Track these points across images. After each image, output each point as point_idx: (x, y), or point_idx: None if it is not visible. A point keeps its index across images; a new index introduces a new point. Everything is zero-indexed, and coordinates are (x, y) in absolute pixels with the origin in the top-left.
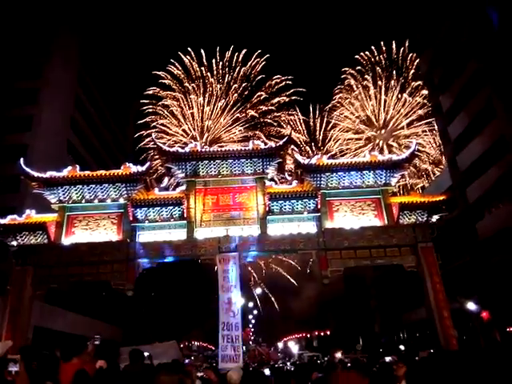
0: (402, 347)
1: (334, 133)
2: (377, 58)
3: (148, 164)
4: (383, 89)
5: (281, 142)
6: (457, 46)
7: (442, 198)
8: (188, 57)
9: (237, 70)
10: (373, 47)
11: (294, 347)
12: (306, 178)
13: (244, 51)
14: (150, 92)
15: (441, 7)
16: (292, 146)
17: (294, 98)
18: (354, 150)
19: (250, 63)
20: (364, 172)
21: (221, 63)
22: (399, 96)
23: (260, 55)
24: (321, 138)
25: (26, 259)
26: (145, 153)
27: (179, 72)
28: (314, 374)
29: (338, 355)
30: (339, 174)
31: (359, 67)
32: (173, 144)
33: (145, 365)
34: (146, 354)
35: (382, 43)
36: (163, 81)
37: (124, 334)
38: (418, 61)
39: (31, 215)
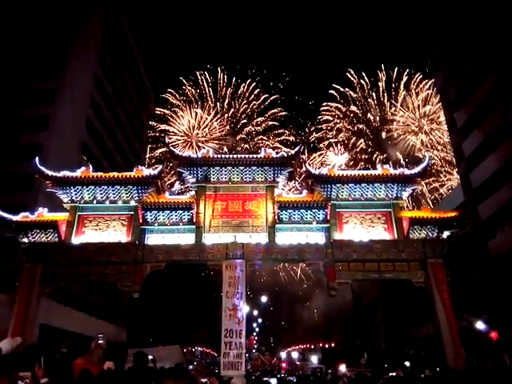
0: (407, 363)
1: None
2: (394, 81)
3: (160, 168)
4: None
5: (293, 152)
6: (474, 61)
7: (453, 214)
8: (206, 74)
9: (250, 98)
10: (390, 70)
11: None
12: (316, 188)
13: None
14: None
15: (457, 24)
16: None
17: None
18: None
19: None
20: (375, 185)
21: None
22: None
23: (277, 83)
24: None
25: (35, 257)
26: (156, 160)
27: (191, 89)
28: None
29: (343, 368)
30: (350, 185)
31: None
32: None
33: (148, 368)
34: (149, 357)
35: (398, 68)
36: (172, 99)
37: (128, 336)
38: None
39: (43, 213)
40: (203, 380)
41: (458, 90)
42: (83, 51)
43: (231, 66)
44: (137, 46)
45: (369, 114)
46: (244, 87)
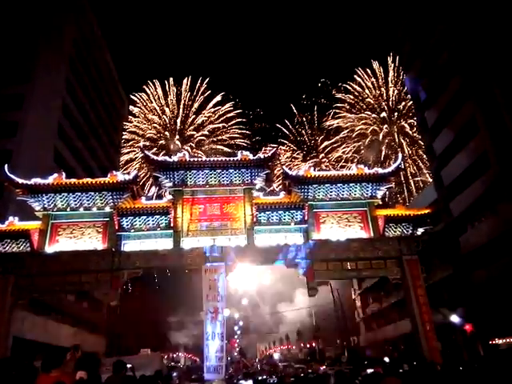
0: (386, 359)
1: None
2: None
3: (135, 173)
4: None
5: (269, 154)
6: (442, 61)
7: (426, 211)
8: (188, 83)
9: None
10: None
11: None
12: (293, 189)
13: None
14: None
15: (426, 25)
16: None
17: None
18: None
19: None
20: (351, 184)
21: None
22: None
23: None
24: None
25: (7, 267)
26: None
27: (172, 99)
28: None
29: (322, 367)
30: (326, 186)
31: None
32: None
33: (127, 376)
34: (128, 365)
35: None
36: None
37: (107, 344)
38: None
39: (14, 222)
40: None
41: (427, 89)
42: (53, 54)
43: (214, 78)
44: (110, 50)
45: (344, 124)
46: (224, 98)
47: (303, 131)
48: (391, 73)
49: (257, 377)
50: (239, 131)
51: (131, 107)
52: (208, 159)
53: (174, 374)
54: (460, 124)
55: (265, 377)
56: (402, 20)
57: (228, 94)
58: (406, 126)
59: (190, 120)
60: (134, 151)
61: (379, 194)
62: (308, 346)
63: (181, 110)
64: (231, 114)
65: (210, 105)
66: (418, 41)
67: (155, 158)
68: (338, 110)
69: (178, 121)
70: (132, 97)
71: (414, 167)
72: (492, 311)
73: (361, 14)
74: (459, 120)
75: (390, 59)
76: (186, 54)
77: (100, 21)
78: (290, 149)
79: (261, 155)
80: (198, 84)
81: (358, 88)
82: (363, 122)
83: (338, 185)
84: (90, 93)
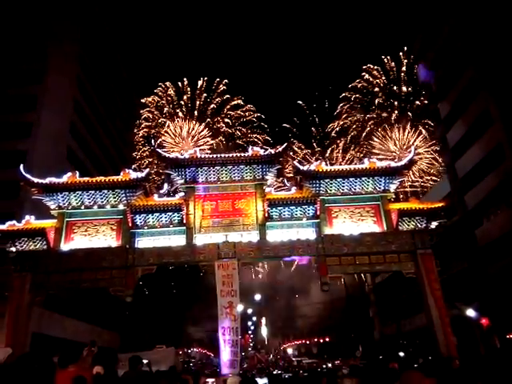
0: (401, 354)
1: None
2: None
3: (147, 170)
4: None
5: (280, 149)
6: (454, 52)
7: (440, 204)
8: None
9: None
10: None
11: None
12: (305, 184)
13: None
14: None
15: (438, 15)
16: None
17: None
18: None
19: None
20: (363, 178)
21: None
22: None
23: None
24: None
25: (24, 265)
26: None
27: (185, 101)
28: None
29: (337, 363)
30: (338, 180)
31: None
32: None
33: (143, 371)
34: (144, 360)
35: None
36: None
37: (122, 340)
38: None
39: (30, 221)
40: (209, 380)
41: (439, 81)
42: (63, 55)
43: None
44: (120, 50)
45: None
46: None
47: (315, 130)
48: (404, 69)
49: (271, 371)
50: (257, 136)
51: (142, 111)
52: (219, 155)
53: (193, 369)
54: (474, 115)
55: (279, 372)
56: (413, 11)
57: (240, 96)
58: (421, 127)
59: (204, 124)
60: (146, 156)
61: (392, 187)
62: (322, 340)
63: (195, 114)
64: (248, 119)
65: (226, 109)
66: (430, 31)
67: (167, 155)
68: (348, 110)
69: (192, 124)
70: (143, 100)
71: (429, 165)
72: (509, 305)
73: (372, 8)
74: (473, 111)
75: (402, 55)
76: (193, 57)
77: (110, 21)
78: (301, 149)
79: (271, 150)
80: (213, 86)
81: (369, 86)
82: (375, 120)
83: (350, 179)
84: (101, 93)
